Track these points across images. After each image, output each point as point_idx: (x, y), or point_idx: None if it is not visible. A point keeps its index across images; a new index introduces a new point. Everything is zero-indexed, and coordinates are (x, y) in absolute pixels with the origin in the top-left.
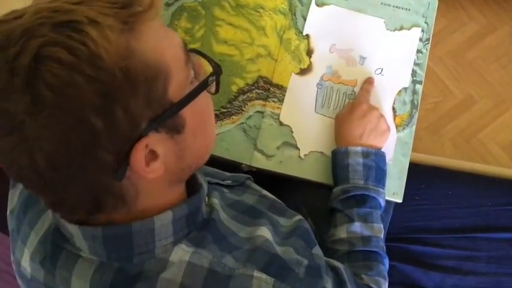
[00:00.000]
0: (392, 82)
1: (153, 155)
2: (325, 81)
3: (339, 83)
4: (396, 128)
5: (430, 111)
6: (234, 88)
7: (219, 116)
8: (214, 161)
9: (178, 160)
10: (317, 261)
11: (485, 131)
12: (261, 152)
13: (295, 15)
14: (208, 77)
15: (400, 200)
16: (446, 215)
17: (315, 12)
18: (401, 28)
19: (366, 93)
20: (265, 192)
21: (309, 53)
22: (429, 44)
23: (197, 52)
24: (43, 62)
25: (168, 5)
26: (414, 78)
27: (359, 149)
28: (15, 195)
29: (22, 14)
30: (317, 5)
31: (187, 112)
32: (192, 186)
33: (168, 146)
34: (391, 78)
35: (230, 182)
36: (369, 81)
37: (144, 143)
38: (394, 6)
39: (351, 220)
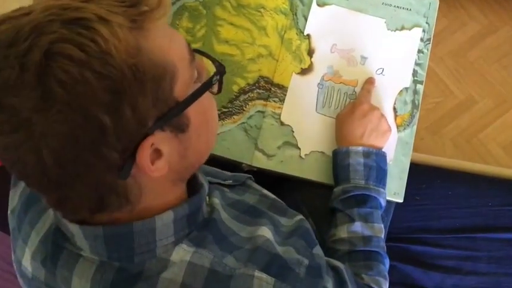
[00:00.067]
0: (393, 82)
1: (157, 154)
2: (326, 81)
3: (340, 83)
4: (397, 128)
5: (431, 111)
6: (235, 88)
7: (220, 116)
8: (215, 161)
9: (181, 159)
10: (318, 261)
11: (485, 131)
12: (262, 151)
13: (296, 15)
14: (212, 76)
15: (400, 200)
16: (446, 215)
17: (316, 12)
18: (402, 28)
19: (367, 93)
20: (266, 191)
21: (310, 53)
22: (430, 44)
23: (201, 52)
24: (54, 59)
25: None
26: (415, 78)
27: (360, 149)
28: (16, 195)
29: (30, 11)
30: (318, 5)
31: (191, 111)
32: (192, 186)
33: (173, 145)
34: (392, 78)
35: (231, 181)
36: (369, 81)
37: (150, 142)
38: (395, 6)
39: (352, 220)
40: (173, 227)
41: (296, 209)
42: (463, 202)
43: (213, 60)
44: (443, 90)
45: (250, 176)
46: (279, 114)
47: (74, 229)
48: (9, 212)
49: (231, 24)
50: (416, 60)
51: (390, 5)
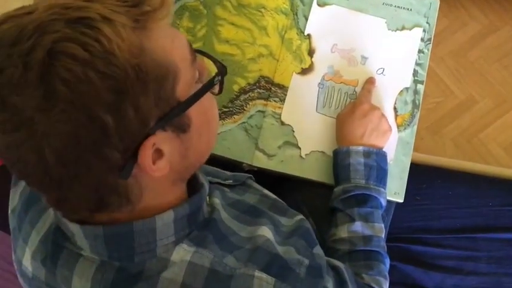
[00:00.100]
0: (393, 82)
1: (159, 154)
2: (327, 81)
3: (341, 82)
4: (397, 127)
5: (432, 111)
6: (236, 87)
7: (221, 116)
8: (216, 160)
9: (182, 159)
10: (318, 261)
11: (486, 131)
12: (262, 151)
13: (296, 15)
14: (214, 77)
15: (401, 200)
16: (447, 215)
17: (316, 12)
18: (402, 28)
19: (368, 93)
20: (266, 191)
21: (311, 52)
22: (431, 44)
23: (203, 53)
24: (57, 58)
25: None
26: (416, 78)
27: (360, 148)
28: (16, 194)
29: (33, 10)
30: (319, 5)
31: (193, 111)
32: (193, 186)
33: (174, 145)
34: (392, 78)
35: (231, 181)
36: (370, 81)
37: (151, 141)
38: (395, 6)
39: (352, 219)
40: (173, 226)
41: (296, 208)
42: (464, 202)
43: (215, 61)
44: (443, 90)
45: (251, 175)
46: (280, 114)
47: (74, 228)
48: (9, 211)
49: (232, 24)
50: (416, 60)
51: (391, 5)
